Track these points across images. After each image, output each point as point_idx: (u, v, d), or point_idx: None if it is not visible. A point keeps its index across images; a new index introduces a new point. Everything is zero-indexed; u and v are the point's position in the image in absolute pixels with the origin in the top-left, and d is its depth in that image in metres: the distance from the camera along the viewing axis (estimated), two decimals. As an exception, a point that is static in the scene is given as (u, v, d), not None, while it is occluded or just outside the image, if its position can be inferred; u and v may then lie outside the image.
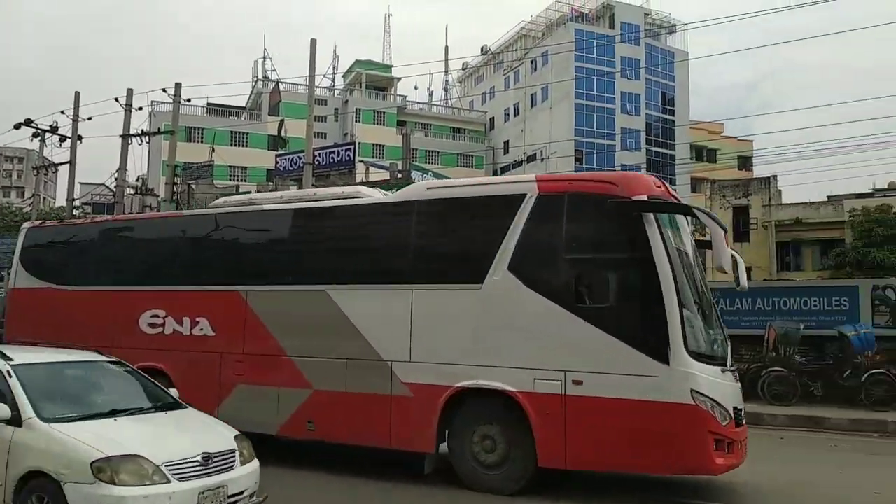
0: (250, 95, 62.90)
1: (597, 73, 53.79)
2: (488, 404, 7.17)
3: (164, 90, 23.46)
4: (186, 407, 6.40)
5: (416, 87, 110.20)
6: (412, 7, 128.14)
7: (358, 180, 28.34)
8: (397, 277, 7.89)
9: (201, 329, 8.96)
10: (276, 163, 31.96)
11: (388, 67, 67.19)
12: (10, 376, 5.60)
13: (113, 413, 5.73)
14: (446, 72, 72.99)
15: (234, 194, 14.89)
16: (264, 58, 67.61)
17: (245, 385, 8.57)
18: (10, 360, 5.84)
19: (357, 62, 66.17)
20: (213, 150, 37.55)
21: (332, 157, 29.53)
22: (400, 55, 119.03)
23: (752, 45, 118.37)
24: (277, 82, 35.99)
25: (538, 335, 7.01)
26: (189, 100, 25.24)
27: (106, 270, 10.03)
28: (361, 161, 33.28)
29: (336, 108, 59.72)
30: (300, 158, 24.07)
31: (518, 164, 57.71)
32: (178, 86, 23.18)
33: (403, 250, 8.00)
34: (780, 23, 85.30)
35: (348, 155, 29.34)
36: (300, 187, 19.90)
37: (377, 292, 8.01)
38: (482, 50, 68.19)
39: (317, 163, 26.33)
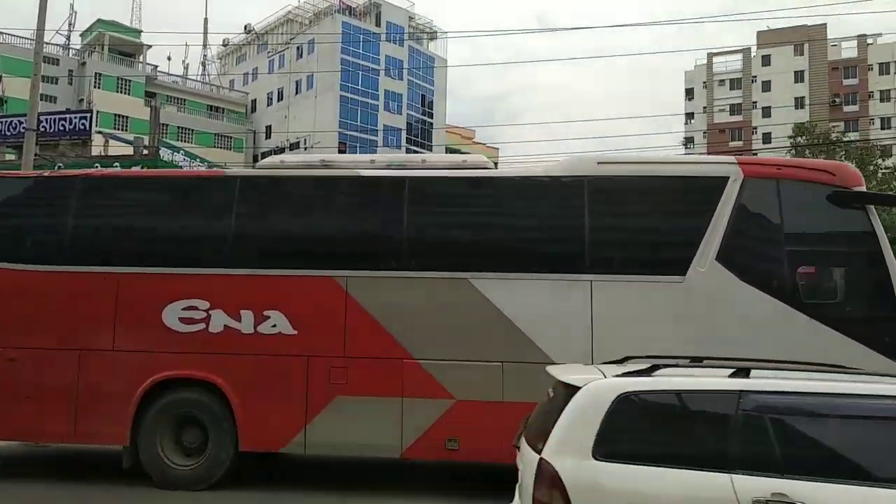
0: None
1: (362, 69, 54.76)
2: None
3: None
4: None
5: (169, 58, 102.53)
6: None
7: (95, 153, 25.47)
8: (571, 266, 6.68)
9: (273, 326, 6.92)
10: (-11, 125, 27.39)
11: (137, 32, 61.18)
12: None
13: None
14: (205, 45, 68.58)
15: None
16: (-22, 0, 57.22)
17: (349, 397, 6.77)
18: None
19: (99, 21, 59.09)
20: None
21: (63, 125, 26.15)
22: (152, 20, 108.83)
23: (505, 61, 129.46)
24: (-7, 31, 30.82)
25: (754, 334, 6.17)
26: None
27: (109, 242, 7.49)
28: (100, 132, 29.93)
29: (71, 70, 52.76)
30: (21, 123, 20.95)
31: (280, 150, 56.27)
32: None
33: (576, 235, 6.74)
34: (532, 43, 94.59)
35: (83, 124, 26.21)
36: (20, 157, 17.30)
37: (543, 283, 6.67)
38: (246, 28, 65.27)
39: (42, 129, 23.15)
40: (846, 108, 63.93)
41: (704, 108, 70.70)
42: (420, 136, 59.82)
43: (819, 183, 6.56)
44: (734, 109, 69.09)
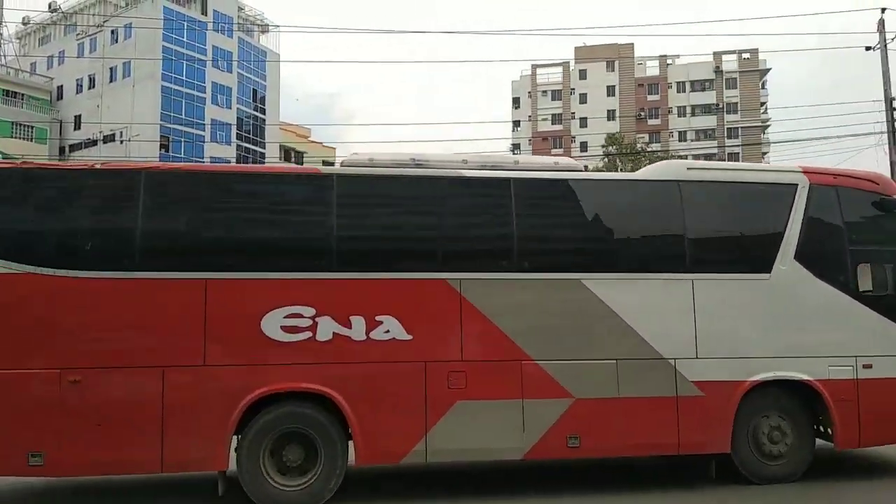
0: None
1: (187, 59, 51.52)
2: (777, 395, 7.23)
3: None
4: None
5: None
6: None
7: None
8: (674, 265, 7.16)
9: (387, 331, 6.58)
10: None
11: (-88, 1, 52.81)
12: None
13: None
14: (1, 23, 60.76)
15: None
16: None
17: (470, 401, 6.63)
18: None
19: None
20: None
21: None
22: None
23: (342, 59, 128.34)
24: None
25: (828, 324, 7.28)
26: None
27: (191, 245, 6.66)
28: None
29: None
30: None
31: (92, 142, 51.44)
32: None
33: (677, 236, 7.25)
34: (371, 46, 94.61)
35: None
36: None
37: (649, 282, 7.08)
38: (50, 7, 58.76)
39: None
40: (650, 122, 71.20)
41: (529, 116, 75.09)
42: (252, 132, 57.54)
43: (867, 191, 7.69)
44: (555, 119, 74.11)
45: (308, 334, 6.52)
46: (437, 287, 6.78)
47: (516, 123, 76.48)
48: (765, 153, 67.04)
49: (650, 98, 73.41)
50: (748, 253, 7.58)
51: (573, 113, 73.57)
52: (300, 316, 6.51)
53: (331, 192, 6.84)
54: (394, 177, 7.15)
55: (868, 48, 22.25)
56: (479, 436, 6.71)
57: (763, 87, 73.44)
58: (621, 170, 34.60)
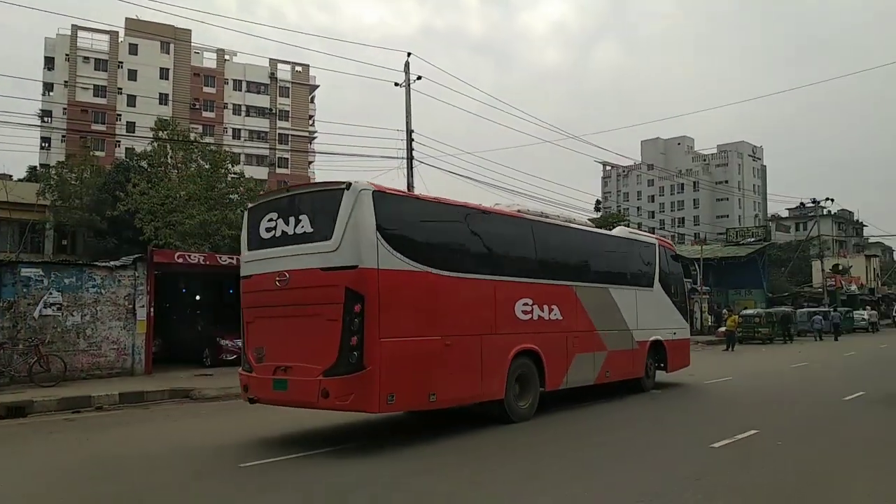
0: None
1: None
2: (654, 347, 14.88)
3: None
4: None
5: None
6: None
7: None
8: (633, 283, 14.37)
9: (554, 314, 11.47)
10: None
11: None
12: None
13: None
14: None
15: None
16: None
17: (580, 354, 12.10)
18: None
19: None
20: None
21: None
22: None
23: None
24: None
25: (665, 314, 15.47)
26: None
27: (484, 258, 10.31)
28: None
29: None
30: None
31: None
32: None
33: (628, 268, 14.66)
34: None
35: None
36: None
37: (626, 290, 13.90)
38: None
39: None
40: (205, 114, 69.91)
41: (66, 82, 65.79)
42: None
43: (668, 249, 16.37)
44: (99, 91, 66.65)
45: (530, 315, 10.94)
46: (569, 290, 12.06)
47: (48, 87, 66.18)
48: (311, 162, 72.70)
49: (206, 90, 72.20)
50: (646, 279, 14.81)
51: (120, 88, 67.28)
52: (528, 304, 10.89)
53: (531, 232, 11.53)
54: (555, 224, 12.41)
55: (396, 84, 26.25)
56: (582, 374, 12.17)
57: (312, 102, 79.59)
58: (172, 157, 33.14)
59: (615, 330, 13.16)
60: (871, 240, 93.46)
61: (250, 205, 10.24)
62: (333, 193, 8.54)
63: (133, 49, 68.29)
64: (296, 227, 8.83)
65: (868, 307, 57.81)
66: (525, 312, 10.74)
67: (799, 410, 12.11)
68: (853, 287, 63.55)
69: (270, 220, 9.15)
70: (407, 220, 9.10)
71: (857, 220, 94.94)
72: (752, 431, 9.41)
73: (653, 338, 14.48)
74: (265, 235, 9.20)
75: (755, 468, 7.47)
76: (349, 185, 8.44)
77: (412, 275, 8.78)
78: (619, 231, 16.01)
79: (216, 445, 9.19)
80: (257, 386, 9.07)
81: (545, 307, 11.17)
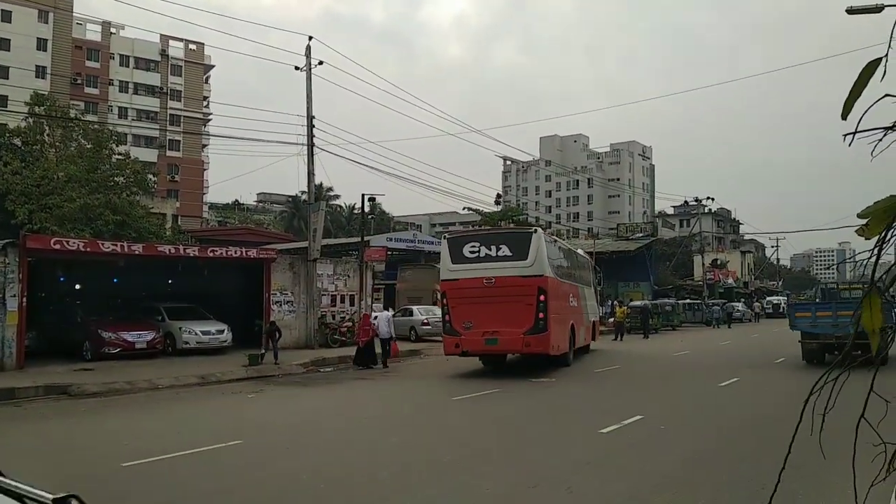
0: None
1: None
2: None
3: None
4: None
5: None
6: None
7: None
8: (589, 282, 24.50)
9: (573, 301, 19.79)
10: None
11: None
12: None
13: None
14: None
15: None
16: None
17: (580, 327, 20.34)
18: None
19: None
20: None
21: None
22: None
23: None
24: None
25: (593, 302, 25.02)
26: None
27: (571, 274, 20.92)
28: None
29: None
30: None
31: None
32: None
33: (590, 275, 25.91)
34: None
35: None
36: None
37: (588, 288, 23.83)
38: None
39: None
40: (87, 89, 65.22)
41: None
42: None
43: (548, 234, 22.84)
44: (-37, 60, 60.60)
45: (574, 303, 19.66)
46: (576, 289, 20.54)
47: None
48: (205, 145, 69.58)
49: (89, 64, 67.34)
50: (593, 279, 24.92)
51: (-10, 58, 61.46)
52: (569, 297, 18.90)
53: (576, 258, 22.69)
54: (580, 254, 24.38)
55: (297, 68, 25.36)
56: (581, 339, 20.21)
57: (207, 82, 76.07)
58: (49, 135, 30.68)
59: (589, 312, 22.54)
60: (746, 237, 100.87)
61: (448, 236, 18.08)
62: (528, 234, 16.51)
63: (6, 16, 62.56)
64: (497, 251, 15.76)
65: (742, 300, 62.21)
66: (572, 302, 19.07)
67: (680, 396, 12.87)
68: (730, 280, 68.30)
69: (473, 245, 16.11)
70: (553, 251, 17.54)
71: (734, 219, 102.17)
72: (638, 417, 9.90)
73: (593, 319, 23.74)
74: (469, 255, 15.91)
75: (642, 452, 7.85)
76: (536, 229, 17.25)
77: (559, 282, 17.31)
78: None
79: (96, 445, 8.60)
80: (469, 343, 15.70)
81: (573, 300, 19.44)
